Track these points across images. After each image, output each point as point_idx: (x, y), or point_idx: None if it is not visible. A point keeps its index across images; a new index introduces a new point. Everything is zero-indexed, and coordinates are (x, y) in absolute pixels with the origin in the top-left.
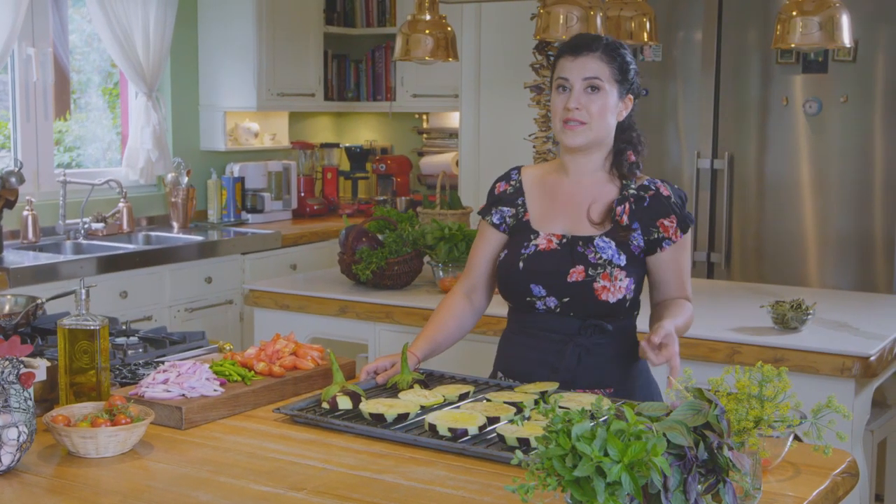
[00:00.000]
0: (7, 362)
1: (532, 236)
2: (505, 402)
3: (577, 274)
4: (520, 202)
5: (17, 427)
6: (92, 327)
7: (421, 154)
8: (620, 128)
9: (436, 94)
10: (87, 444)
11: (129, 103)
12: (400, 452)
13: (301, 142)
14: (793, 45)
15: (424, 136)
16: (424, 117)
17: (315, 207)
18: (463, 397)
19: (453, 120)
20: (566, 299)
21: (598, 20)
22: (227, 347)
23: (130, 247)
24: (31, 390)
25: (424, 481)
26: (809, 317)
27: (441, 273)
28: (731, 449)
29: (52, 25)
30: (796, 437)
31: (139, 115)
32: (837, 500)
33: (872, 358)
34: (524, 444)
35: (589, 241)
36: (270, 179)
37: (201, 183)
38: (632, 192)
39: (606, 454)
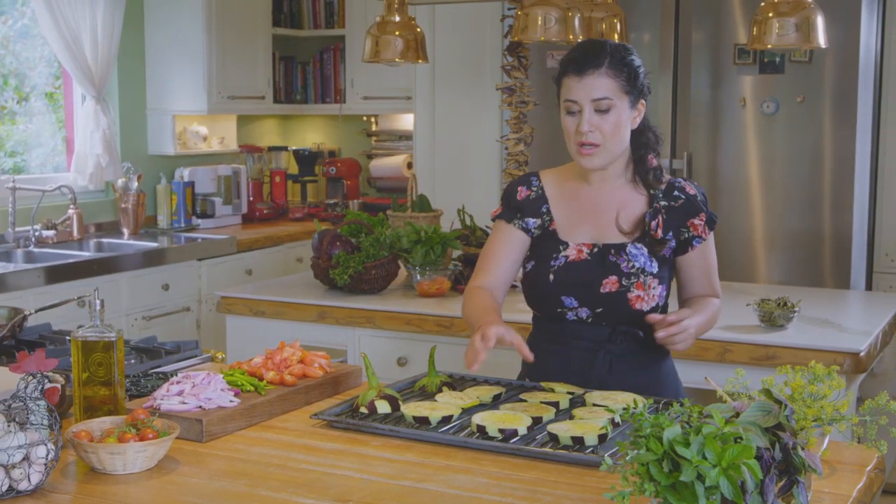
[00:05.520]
0: (31, 377)
1: (561, 247)
2: (542, 403)
3: (610, 285)
4: (544, 210)
5: (45, 445)
6: (109, 338)
7: (370, 157)
8: (635, 132)
9: (387, 95)
10: (115, 460)
11: (75, 107)
12: (435, 460)
13: (249, 145)
14: (769, 46)
15: (374, 138)
16: (373, 119)
17: (265, 211)
18: (496, 398)
19: (403, 122)
20: (599, 310)
21: (577, 21)
22: (220, 356)
23: (85, 254)
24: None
25: (468, 489)
26: (795, 314)
27: (419, 276)
28: (803, 448)
29: None
30: None
31: (87, 119)
32: (873, 497)
33: (862, 353)
34: (578, 442)
35: (621, 248)
36: (220, 184)
37: (150, 188)
38: (662, 203)
39: (703, 458)
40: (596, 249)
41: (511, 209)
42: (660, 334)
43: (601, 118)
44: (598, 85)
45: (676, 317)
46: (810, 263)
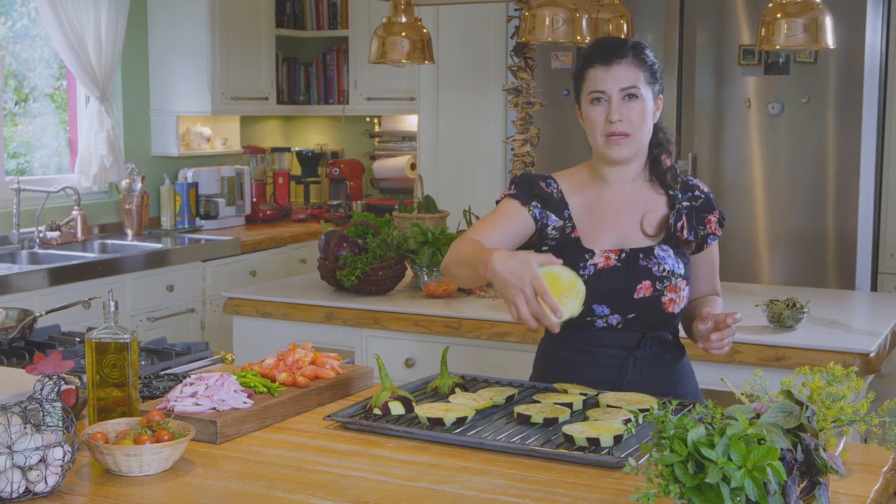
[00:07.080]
0: (48, 379)
1: (587, 256)
2: (556, 403)
3: (644, 290)
4: (566, 215)
5: (61, 446)
6: (124, 340)
7: (373, 157)
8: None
9: (390, 97)
10: (132, 461)
11: (79, 108)
12: (451, 462)
13: (252, 146)
14: (778, 47)
15: (377, 139)
16: (376, 120)
17: (268, 213)
18: (510, 399)
19: (406, 123)
20: (631, 315)
21: (584, 22)
22: (230, 358)
23: (89, 256)
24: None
25: (485, 490)
26: (804, 315)
27: (426, 277)
28: (824, 450)
29: None
30: None
31: (91, 120)
32: (889, 498)
33: (872, 354)
34: (594, 443)
35: (649, 251)
36: (223, 185)
37: (154, 189)
38: (685, 204)
39: (728, 459)
40: (623, 255)
41: (529, 195)
42: (714, 336)
43: (629, 107)
44: (625, 73)
45: (732, 320)
46: (814, 264)
